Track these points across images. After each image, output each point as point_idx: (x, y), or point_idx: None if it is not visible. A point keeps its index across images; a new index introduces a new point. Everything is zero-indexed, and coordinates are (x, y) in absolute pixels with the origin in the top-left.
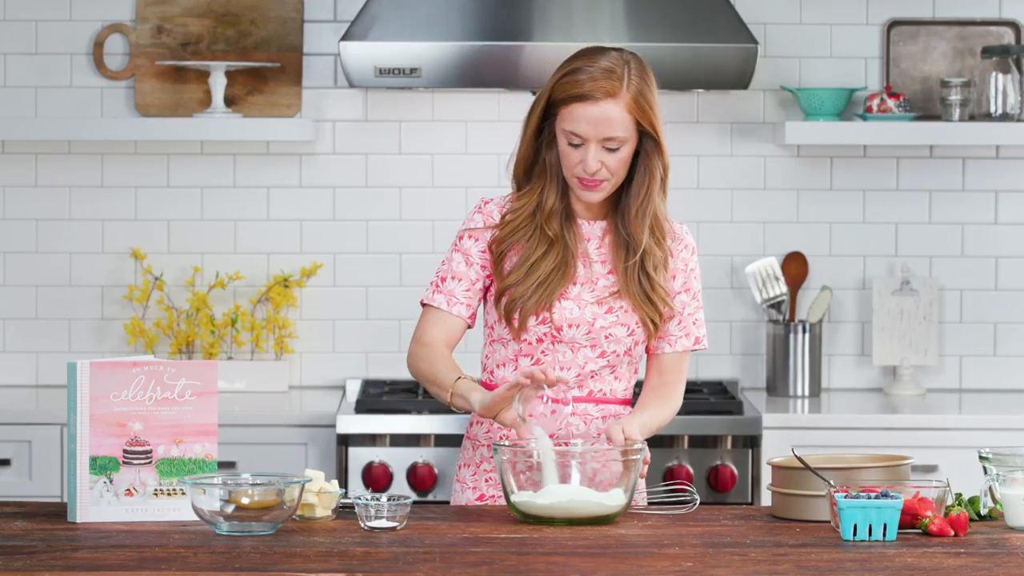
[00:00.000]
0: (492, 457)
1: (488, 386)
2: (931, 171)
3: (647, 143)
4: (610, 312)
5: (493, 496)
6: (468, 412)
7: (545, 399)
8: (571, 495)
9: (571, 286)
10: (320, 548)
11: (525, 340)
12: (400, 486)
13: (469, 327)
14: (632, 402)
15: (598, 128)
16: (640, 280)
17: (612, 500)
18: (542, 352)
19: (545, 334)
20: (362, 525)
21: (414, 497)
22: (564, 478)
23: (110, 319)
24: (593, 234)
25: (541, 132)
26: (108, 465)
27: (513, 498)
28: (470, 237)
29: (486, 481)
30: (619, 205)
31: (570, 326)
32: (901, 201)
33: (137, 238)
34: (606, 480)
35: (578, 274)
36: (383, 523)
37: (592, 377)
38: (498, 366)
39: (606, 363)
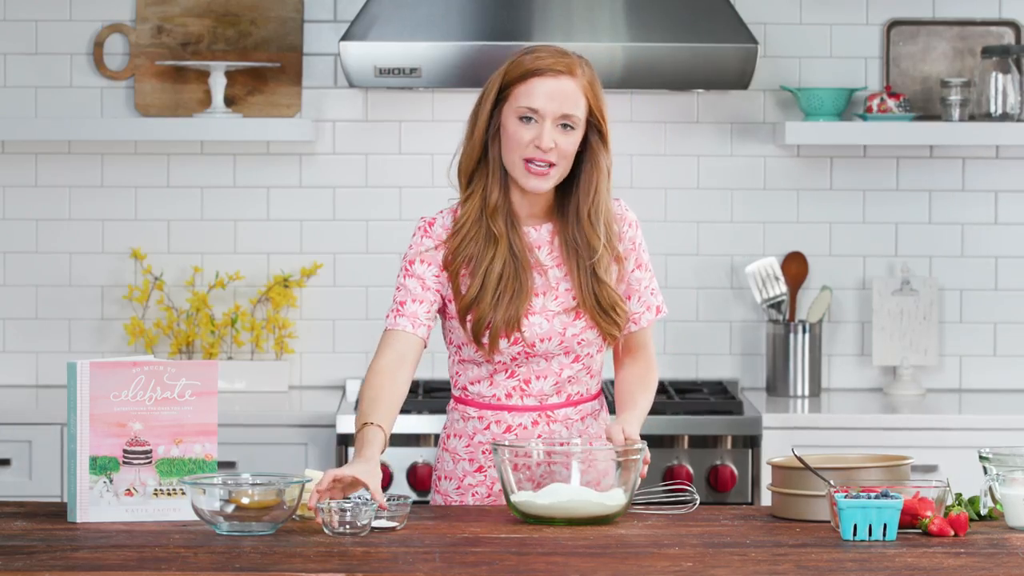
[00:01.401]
0: (475, 471)
1: (464, 401)
2: (931, 171)
3: (593, 137)
4: (579, 318)
5: None
6: None
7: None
8: (571, 495)
9: (533, 298)
10: (320, 548)
11: (499, 361)
12: (400, 486)
13: (425, 347)
14: (603, 390)
15: (556, 102)
16: (593, 290)
17: (612, 500)
18: (516, 365)
19: (519, 352)
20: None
21: (414, 497)
22: (564, 478)
23: (110, 319)
24: (542, 239)
25: (488, 125)
26: (108, 465)
27: (513, 498)
28: (422, 262)
29: (473, 496)
30: (565, 207)
31: (542, 340)
32: (901, 201)
33: (137, 238)
34: (606, 480)
35: (536, 285)
36: (383, 523)
37: (570, 382)
38: (471, 383)
39: (582, 366)
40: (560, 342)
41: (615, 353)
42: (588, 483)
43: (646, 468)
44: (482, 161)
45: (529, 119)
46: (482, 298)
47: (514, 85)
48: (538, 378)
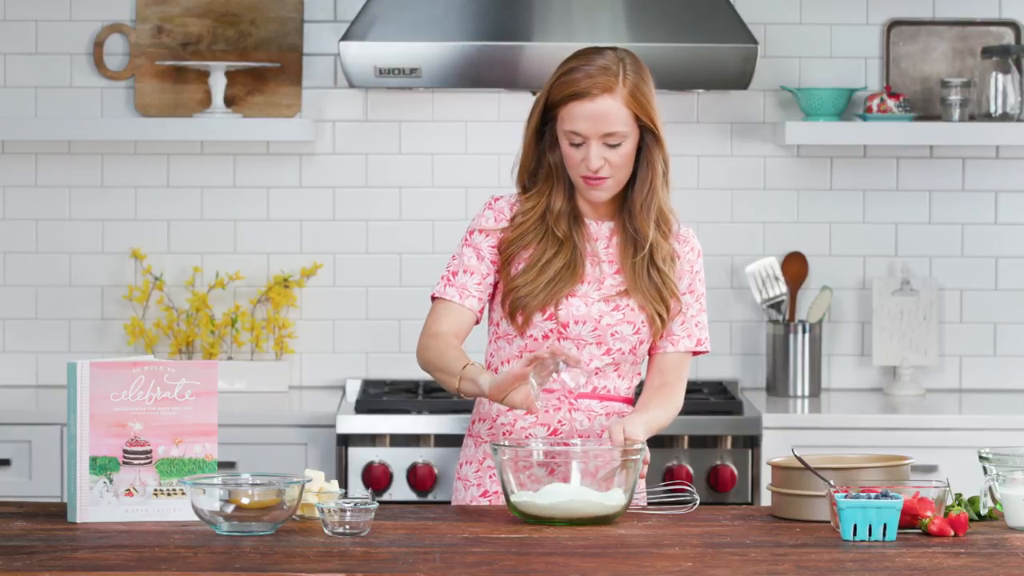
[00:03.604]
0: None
1: None
2: (931, 171)
3: (647, 137)
4: (617, 310)
5: (497, 492)
6: (475, 397)
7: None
8: (571, 495)
9: (578, 284)
10: (320, 548)
11: (531, 336)
12: (400, 486)
13: (477, 322)
14: (634, 401)
15: (597, 124)
16: (650, 274)
17: (612, 500)
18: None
19: (551, 330)
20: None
21: (414, 497)
22: (564, 477)
23: (110, 319)
24: (601, 234)
25: (542, 136)
26: (108, 465)
27: (513, 498)
28: (481, 232)
29: (490, 478)
30: (625, 203)
31: (576, 323)
32: (901, 201)
33: (137, 238)
34: (606, 480)
35: (586, 273)
36: (567, 379)
37: (596, 374)
38: (503, 363)
39: (611, 360)
40: (594, 328)
41: (648, 374)
42: (596, 487)
43: (646, 468)
44: (541, 168)
45: (577, 143)
46: (533, 283)
47: (558, 107)
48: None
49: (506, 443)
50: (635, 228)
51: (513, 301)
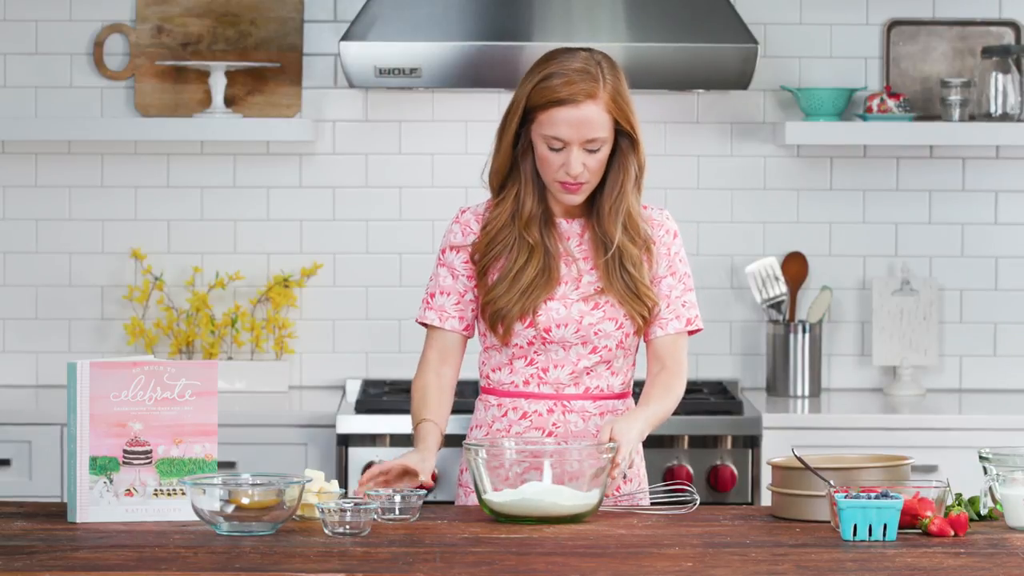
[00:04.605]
0: None
1: (488, 391)
2: (931, 171)
3: (623, 141)
4: (596, 308)
5: None
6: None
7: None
8: (538, 493)
9: (555, 287)
10: (320, 548)
11: (516, 344)
12: None
13: (468, 337)
14: (633, 394)
15: (580, 131)
16: (622, 277)
17: (580, 499)
18: (535, 353)
19: (534, 337)
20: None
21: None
22: (538, 477)
23: (110, 319)
24: (573, 232)
25: (516, 138)
26: (108, 465)
27: (484, 496)
28: (452, 249)
29: None
30: (594, 204)
31: (558, 326)
32: (901, 201)
33: (137, 238)
34: (578, 478)
35: (561, 274)
36: (395, 515)
37: (587, 374)
38: (493, 370)
39: (599, 359)
40: (576, 330)
41: (648, 362)
42: (570, 486)
43: (616, 470)
44: (513, 171)
45: (557, 148)
46: (508, 293)
47: (538, 111)
48: (556, 367)
49: (476, 443)
50: (602, 231)
51: (492, 313)
